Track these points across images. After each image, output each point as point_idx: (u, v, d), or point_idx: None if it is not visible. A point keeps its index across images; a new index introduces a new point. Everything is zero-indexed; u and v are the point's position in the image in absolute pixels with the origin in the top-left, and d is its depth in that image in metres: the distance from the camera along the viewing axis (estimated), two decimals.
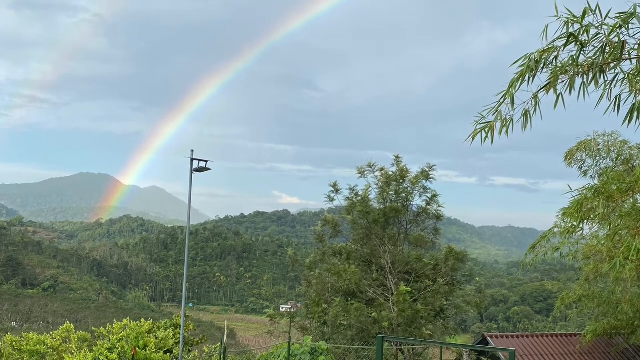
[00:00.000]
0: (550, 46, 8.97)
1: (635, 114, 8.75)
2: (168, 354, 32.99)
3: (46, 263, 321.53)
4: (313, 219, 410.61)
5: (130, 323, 36.31)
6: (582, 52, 8.79)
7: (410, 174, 35.59)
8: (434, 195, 35.82)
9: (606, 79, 8.88)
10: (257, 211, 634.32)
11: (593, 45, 8.74)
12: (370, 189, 35.84)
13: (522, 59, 9.21)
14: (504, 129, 9.57)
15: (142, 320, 37.35)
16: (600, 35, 8.63)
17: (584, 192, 14.04)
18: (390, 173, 35.68)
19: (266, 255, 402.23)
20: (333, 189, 36.38)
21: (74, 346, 36.50)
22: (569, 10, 8.71)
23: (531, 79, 9.18)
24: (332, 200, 36.53)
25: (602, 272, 24.77)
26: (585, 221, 15.12)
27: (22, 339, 37.29)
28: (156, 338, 33.91)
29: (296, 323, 38.91)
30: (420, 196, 36.01)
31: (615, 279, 23.62)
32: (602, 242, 21.13)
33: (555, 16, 8.76)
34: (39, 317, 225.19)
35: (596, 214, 14.08)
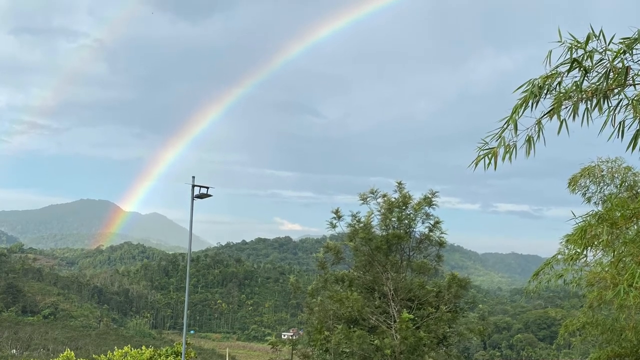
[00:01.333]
0: (553, 72, 8.96)
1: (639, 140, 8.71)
2: None
3: (46, 290, 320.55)
4: (315, 246, 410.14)
5: (131, 350, 36.12)
6: (585, 78, 8.76)
7: (413, 200, 35.49)
8: (437, 222, 35.69)
9: (610, 105, 8.85)
10: (259, 238, 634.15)
11: (597, 71, 8.72)
12: (373, 215, 35.73)
13: (526, 85, 9.19)
14: (507, 155, 9.52)
15: (143, 347, 37.17)
16: (604, 60, 8.61)
17: (588, 218, 13.92)
18: (393, 199, 35.58)
19: (268, 282, 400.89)
20: (335, 216, 36.27)
21: None
22: (573, 36, 8.70)
23: (534, 104, 9.15)
24: (334, 226, 36.39)
25: (606, 299, 24.60)
26: (589, 248, 14.98)
27: None
28: None
29: (298, 350, 38.64)
30: (422, 223, 35.88)
31: (619, 306, 23.46)
32: (606, 269, 21.02)
33: (559, 42, 8.76)
34: (39, 344, 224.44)
35: (600, 240, 13.93)
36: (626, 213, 13.26)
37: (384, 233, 35.42)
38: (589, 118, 8.96)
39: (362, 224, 35.59)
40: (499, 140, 9.48)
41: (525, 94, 9.15)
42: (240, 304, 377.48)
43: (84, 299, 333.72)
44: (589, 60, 8.66)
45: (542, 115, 9.21)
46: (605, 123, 8.92)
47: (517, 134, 9.30)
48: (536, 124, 9.25)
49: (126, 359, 34.07)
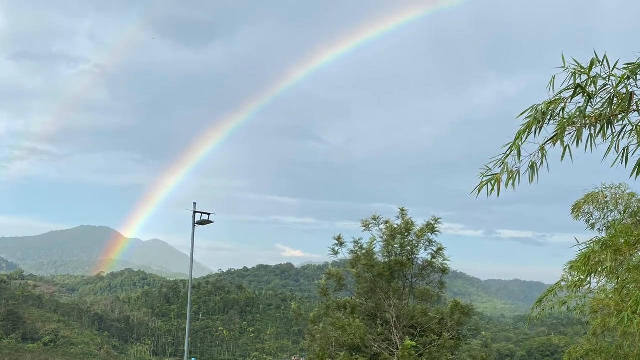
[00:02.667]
0: (557, 97, 8.94)
1: None
2: None
3: (47, 317, 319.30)
4: (317, 273, 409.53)
5: None
6: (589, 104, 8.74)
7: (416, 226, 35.39)
8: (440, 249, 35.57)
9: (614, 131, 8.82)
10: (261, 264, 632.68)
11: (600, 97, 8.71)
12: (375, 242, 35.61)
13: (529, 111, 9.17)
14: (511, 182, 9.48)
15: None
16: (608, 86, 8.59)
17: (592, 245, 13.89)
18: (395, 226, 35.49)
19: (269, 309, 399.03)
20: (337, 242, 36.14)
21: None
22: (576, 62, 8.69)
23: (538, 130, 9.13)
24: (336, 253, 36.25)
25: (610, 326, 24.46)
26: (593, 275, 14.92)
27: None
28: None
29: None
30: (425, 249, 35.75)
31: (623, 333, 23.30)
32: (610, 296, 20.93)
33: (563, 67, 8.75)
34: None
35: (604, 267, 13.90)
36: (630, 240, 13.22)
37: (386, 260, 35.28)
38: (593, 144, 8.93)
39: (364, 251, 35.46)
40: (502, 167, 9.45)
41: (528, 120, 9.14)
42: (242, 331, 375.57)
43: (85, 326, 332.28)
44: (592, 85, 8.65)
45: (546, 141, 9.18)
46: (609, 149, 8.89)
47: (521, 160, 9.28)
48: (539, 150, 9.22)
49: None
